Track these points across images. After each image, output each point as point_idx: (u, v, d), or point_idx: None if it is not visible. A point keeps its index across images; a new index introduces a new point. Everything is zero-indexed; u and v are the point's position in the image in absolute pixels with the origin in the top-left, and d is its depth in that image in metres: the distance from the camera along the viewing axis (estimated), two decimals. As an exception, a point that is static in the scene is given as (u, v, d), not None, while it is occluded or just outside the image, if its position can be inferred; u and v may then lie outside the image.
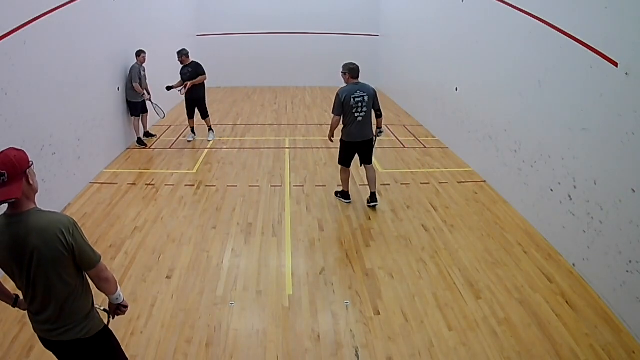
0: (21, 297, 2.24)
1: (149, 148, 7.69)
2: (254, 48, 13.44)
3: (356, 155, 5.44)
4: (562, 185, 4.42)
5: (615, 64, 3.65)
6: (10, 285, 2.23)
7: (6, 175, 1.91)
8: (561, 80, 4.46)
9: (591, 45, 3.95)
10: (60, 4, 5.16)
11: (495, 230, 4.96)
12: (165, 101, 9.85)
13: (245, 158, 7.27)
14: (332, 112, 5.20)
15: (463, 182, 6.24)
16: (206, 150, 7.60)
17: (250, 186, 6.11)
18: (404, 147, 7.87)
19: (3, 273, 2.12)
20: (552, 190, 4.60)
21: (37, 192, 2.08)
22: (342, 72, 5.20)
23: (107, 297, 2.31)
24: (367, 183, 5.54)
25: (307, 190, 6.02)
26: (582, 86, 4.11)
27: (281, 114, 10.39)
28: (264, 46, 13.49)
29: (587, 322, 3.51)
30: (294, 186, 6.14)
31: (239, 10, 13.27)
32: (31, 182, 2.02)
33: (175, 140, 8.16)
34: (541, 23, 4.76)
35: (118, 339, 2.46)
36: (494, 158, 5.98)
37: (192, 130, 8.21)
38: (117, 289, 2.28)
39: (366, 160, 5.42)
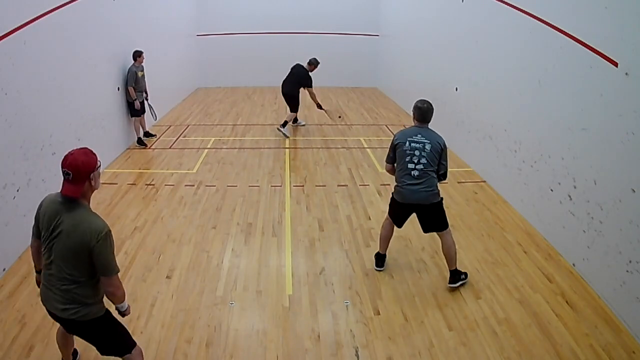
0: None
1: (149, 148, 7.69)
2: (254, 48, 13.43)
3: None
4: (562, 185, 4.42)
5: (615, 64, 3.65)
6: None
7: (71, 175, 2.21)
8: (561, 80, 4.46)
9: (591, 45, 3.95)
10: (60, 4, 5.16)
11: (495, 230, 4.96)
12: (164, 102, 9.88)
13: (245, 158, 7.26)
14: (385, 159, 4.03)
15: (463, 182, 6.24)
16: (206, 150, 7.60)
17: (250, 186, 6.11)
18: (404, 147, 7.86)
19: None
20: (552, 190, 4.60)
21: (96, 189, 2.36)
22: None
23: None
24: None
25: (307, 190, 6.02)
26: (582, 86, 4.11)
27: (281, 114, 10.37)
28: (264, 46, 13.47)
29: (587, 322, 3.51)
30: (294, 186, 6.14)
31: (239, 10, 13.25)
32: (93, 183, 2.31)
33: (175, 140, 8.16)
34: (541, 23, 4.76)
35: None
36: (494, 158, 5.98)
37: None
38: (120, 303, 2.47)
39: (430, 228, 3.93)
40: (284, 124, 8.48)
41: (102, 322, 2.46)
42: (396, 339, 3.34)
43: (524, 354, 3.20)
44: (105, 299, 2.47)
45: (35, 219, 2.41)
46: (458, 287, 3.90)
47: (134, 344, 2.64)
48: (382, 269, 4.19)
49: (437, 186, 3.80)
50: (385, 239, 4.19)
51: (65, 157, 2.25)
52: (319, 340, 3.33)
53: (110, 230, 2.29)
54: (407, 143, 3.75)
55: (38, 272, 2.63)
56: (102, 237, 2.23)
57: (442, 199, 3.87)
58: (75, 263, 2.27)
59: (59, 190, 2.30)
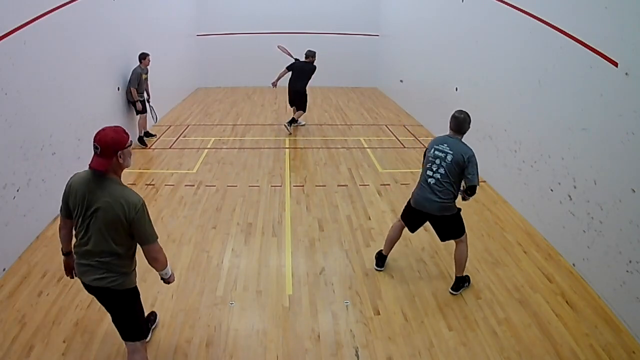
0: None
1: (149, 148, 7.69)
2: (254, 48, 13.41)
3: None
4: (562, 185, 4.42)
5: (615, 64, 3.65)
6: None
7: (100, 150, 2.32)
8: (561, 80, 4.46)
9: (591, 45, 3.95)
10: (60, 4, 5.15)
11: (495, 230, 4.96)
12: (164, 102, 9.87)
13: (245, 158, 7.26)
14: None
15: (463, 182, 6.23)
16: (206, 150, 7.60)
17: (250, 186, 6.11)
18: (404, 147, 7.87)
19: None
20: (552, 190, 4.60)
21: (126, 167, 2.46)
22: None
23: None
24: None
25: (307, 190, 6.02)
26: (582, 86, 4.11)
27: (281, 114, 10.39)
28: (264, 46, 13.43)
29: (587, 322, 3.52)
30: (294, 186, 6.14)
31: (239, 10, 13.25)
32: (121, 161, 2.40)
33: (175, 140, 8.15)
34: (541, 23, 4.76)
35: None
36: (494, 158, 5.98)
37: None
38: (164, 268, 2.65)
39: (444, 237, 3.93)
40: (292, 121, 8.83)
41: (133, 294, 2.62)
42: (396, 339, 3.34)
43: (524, 354, 3.20)
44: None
45: (64, 199, 2.49)
46: (459, 293, 3.90)
47: (148, 331, 2.79)
48: (382, 269, 4.19)
49: (452, 199, 3.72)
50: (391, 241, 4.18)
51: (97, 132, 2.37)
52: (319, 340, 3.33)
53: (144, 202, 2.43)
54: (432, 150, 3.73)
55: (65, 254, 2.70)
56: (140, 209, 2.37)
57: (459, 210, 3.82)
58: (114, 237, 2.39)
59: (87, 168, 2.40)
